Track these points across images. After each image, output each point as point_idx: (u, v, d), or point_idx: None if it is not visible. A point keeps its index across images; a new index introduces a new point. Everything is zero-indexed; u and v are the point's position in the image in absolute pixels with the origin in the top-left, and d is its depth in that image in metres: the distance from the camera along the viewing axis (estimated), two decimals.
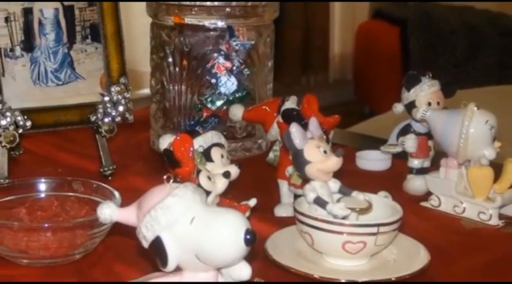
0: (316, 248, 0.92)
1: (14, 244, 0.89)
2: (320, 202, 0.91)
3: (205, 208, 0.68)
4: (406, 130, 1.17)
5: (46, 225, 0.92)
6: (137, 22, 2.60)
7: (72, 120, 1.16)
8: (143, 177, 1.17)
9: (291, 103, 1.09)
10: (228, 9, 1.25)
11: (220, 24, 1.25)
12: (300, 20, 4.40)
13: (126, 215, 0.71)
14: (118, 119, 1.18)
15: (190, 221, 0.67)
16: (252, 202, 0.94)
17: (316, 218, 0.89)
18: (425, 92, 1.13)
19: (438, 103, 1.14)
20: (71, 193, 1.00)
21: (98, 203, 0.78)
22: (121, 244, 0.94)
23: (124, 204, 0.78)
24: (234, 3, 1.25)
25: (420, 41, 3.94)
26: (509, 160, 1.06)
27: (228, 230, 0.66)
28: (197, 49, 1.27)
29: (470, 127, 1.04)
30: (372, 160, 1.28)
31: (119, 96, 1.18)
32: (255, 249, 0.71)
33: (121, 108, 1.18)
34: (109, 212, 0.72)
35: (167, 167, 0.90)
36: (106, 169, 1.19)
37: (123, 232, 0.80)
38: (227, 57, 1.27)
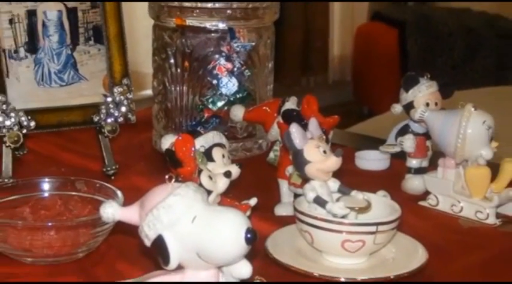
0: (315, 246, 0.92)
1: (18, 242, 0.89)
2: (320, 201, 0.91)
3: (207, 207, 0.68)
4: (404, 131, 1.17)
5: (50, 224, 0.92)
6: (139, 24, 2.60)
7: (75, 120, 1.17)
8: (145, 177, 1.17)
9: (291, 103, 1.09)
10: (229, 11, 1.25)
11: (222, 26, 1.26)
12: (300, 22, 4.40)
13: (129, 214, 0.71)
14: (120, 119, 1.18)
15: (191, 220, 0.67)
16: (253, 201, 0.94)
17: (315, 217, 0.89)
18: (423, 93, 1.14)
19: (436, 104, 1.14)
20: (74, 193, 1.00)
21: (100, 202, 0.78)
22: (123, 243, 0.94)
23: (126, 203, 0.77)
24: (235, 5, 1.25)
25: (418, 43, 3.94)
26: (506, 160, 1.07)
27: (229, 229, 0.66)
28: (198, 50, 1.27)
29: (467, 128, 1.04)
30: (371, 160, 1.28)
31: (122, 97, 1.18)
32: (256, 248, 0.71)
33: (123, 109, 1.18)
34: (112, 211, 0.72)
35: (169, 167, 0.90)
36: (109, 168, 1.19)
37: (126, 231, 0.80)
38: (228, 59, 1.27)
